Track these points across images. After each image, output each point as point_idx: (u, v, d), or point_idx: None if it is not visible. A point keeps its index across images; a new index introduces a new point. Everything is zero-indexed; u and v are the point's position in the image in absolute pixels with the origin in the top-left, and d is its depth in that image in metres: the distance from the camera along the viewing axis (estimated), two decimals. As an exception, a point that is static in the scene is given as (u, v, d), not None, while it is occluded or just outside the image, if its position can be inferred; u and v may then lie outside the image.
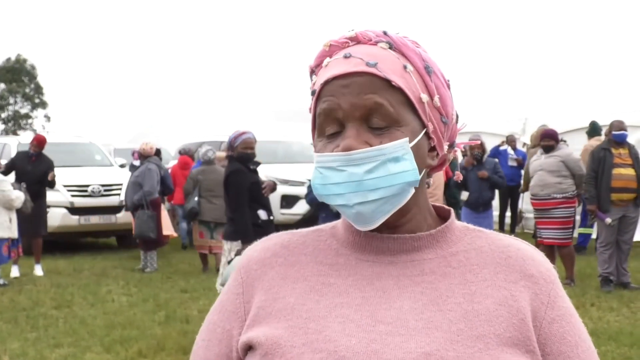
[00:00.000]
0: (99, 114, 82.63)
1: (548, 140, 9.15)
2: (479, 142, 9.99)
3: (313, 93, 1.16)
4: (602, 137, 11.42)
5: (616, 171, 8.60)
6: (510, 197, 14.06)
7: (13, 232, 9.82)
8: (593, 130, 11.57)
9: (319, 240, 1.24)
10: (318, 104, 1.15)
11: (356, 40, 1.16)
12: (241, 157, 7.02)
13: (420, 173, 1.13)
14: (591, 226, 11.74)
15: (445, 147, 1.21)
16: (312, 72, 1.21)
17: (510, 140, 14.32)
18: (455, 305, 1.11)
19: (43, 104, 51.81)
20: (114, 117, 75.35)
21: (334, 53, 1.17)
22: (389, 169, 1.09)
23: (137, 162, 13.53)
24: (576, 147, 12.11)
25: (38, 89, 51.31)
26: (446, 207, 1.27)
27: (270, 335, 1.12)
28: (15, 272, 10.45)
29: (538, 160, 9.25)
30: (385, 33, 1.16)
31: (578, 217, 11.52)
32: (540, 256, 1.21)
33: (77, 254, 12.74)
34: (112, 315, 7.85)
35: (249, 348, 1.16)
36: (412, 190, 1.13)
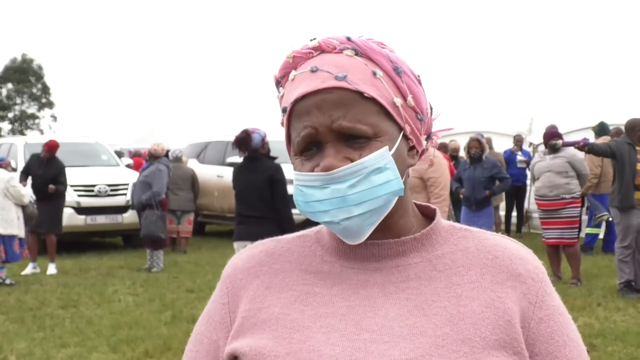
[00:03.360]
0: (106, 114, 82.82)
1: (556, 140, 9.09)
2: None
3: (284, 110, 1.14)
4: (609, 138, 11.39)
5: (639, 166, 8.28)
6: (517, 197, 14.04)
7: (21, 231, 9.96)
8: (601, 130, 11.53)
9: (304, 246, 1.22)
10: (291, 121, 1.13)
11: (320, 49, 1.13)
12: (268, 154, 6.78)
13: (402, 178, 1.11)
14: (598, 226, 11.72)
15: (424, 142, 1.19)
16: (278, 82, 1.18)
17: (517, 141, 14.29)
18: (441, 309, 1.10)
19: (50, 104, 51.97)
20: (121, 117, 75.50)
21: (299, 65, 1.14)
22: (372, 181, 1.07)
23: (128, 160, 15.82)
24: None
25: (45, 89, 51.46)
26: (431, 206, 1.25)
27: (255, 346, 1.11)
28: (29, 269, 10.81)
29: (543, 162, 9.19)
30: (349, 39, 1.13)
31: (585, 217, 11.51)
32: (528, 254, 1.19)
33: (84, 254, 12.77)
34: (119, 315, 7.87)
35: (234, 358, 1.15)
36: (396, 199, 1.11)
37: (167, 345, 6.56)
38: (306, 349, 1.08)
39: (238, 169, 6.91)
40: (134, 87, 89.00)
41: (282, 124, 1.16)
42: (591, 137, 11.92)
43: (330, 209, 1.08)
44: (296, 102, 1.10)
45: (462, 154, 13.56)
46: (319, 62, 1.11)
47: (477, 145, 9.78)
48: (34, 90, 51.16)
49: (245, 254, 1.25)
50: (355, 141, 1.08)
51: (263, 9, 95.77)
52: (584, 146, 8.62)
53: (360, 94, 1.08)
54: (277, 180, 6.57)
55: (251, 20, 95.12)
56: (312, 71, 1.10)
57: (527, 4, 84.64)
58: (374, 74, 1.10)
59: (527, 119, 15.93)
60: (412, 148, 1.16)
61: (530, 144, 14.77)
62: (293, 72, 1.14)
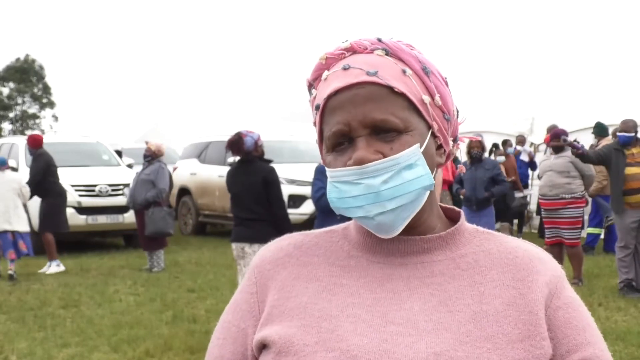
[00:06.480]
0: (106, 113, 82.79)
1: (558, 140, 9.08)
2: (479, 137, 10.03)
3: (317, 107, 1.17)
4: (610, 138, 11.39)
5: (629, 171, 8.28)
6: (518, 196, 14.03)
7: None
8: (601, 130, 11.50)
9: (331, 241, 1.26)
10: (324, 118, 1.16)
11: (352, 50, 1.18)
12: (262, 156, 6.84)
13: (432, 174, 1.15)
14: (599, 226, 11.71)
15: (450, 143, 1.23)
16: (311, 85, 1.22)
17: (520, 140, 14.39)
18: (464, 306, 1.13)
19: (51, 104, 51.95)
20: (121, 117, 75.44)
21: (331, 66, 1.18)
22: (404, 177, 1.11)
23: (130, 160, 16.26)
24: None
25: (46, 89, 51.44)
26: (456, 209, 1.30)
27: (284, 334, 1.14)
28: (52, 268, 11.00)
29: (547, 161, 9.20)
30: (379, 40, 1.18)
31: (587, 217, 11.50)
32: (547, 256, 1.23)
33: (85, 254, 12.78)
34: (120, 315, 7.87)
35: (263, 346, 1.18)
36: (428, 194, 1.15)
37: (168, 344, 6.56)
38: (335, 339, 1.11)
39: (232, 172, 6.95)
40: (134, 87, 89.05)
41: (315, 123, 1.19)
42: (591, 139, 11.90)
43: (365, 204, 1.12)
44: (329, 97, 1.14)
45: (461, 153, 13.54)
46: (351, 61, 1.16)
47: (478, 146, 9.81)
48: (35, 90, 51.14)
49: (274, 246, 1.29)
50: (387, 134, 1.12)
51: (265, 8, 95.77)
52: (580, 154, 8.58)
53: (390, 89, 1.12)
54: (271, 182, 6.66)
55: (253, 19, 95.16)
56: (345, 69, 1.14)
57: (529, 4, 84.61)
58: (404, 72, 1.15)
59: (528, 119, 15.93)
60: (439, 147, 1.20)
61: (532, 143, 14.78)
62: (326, 72, 1.18)
